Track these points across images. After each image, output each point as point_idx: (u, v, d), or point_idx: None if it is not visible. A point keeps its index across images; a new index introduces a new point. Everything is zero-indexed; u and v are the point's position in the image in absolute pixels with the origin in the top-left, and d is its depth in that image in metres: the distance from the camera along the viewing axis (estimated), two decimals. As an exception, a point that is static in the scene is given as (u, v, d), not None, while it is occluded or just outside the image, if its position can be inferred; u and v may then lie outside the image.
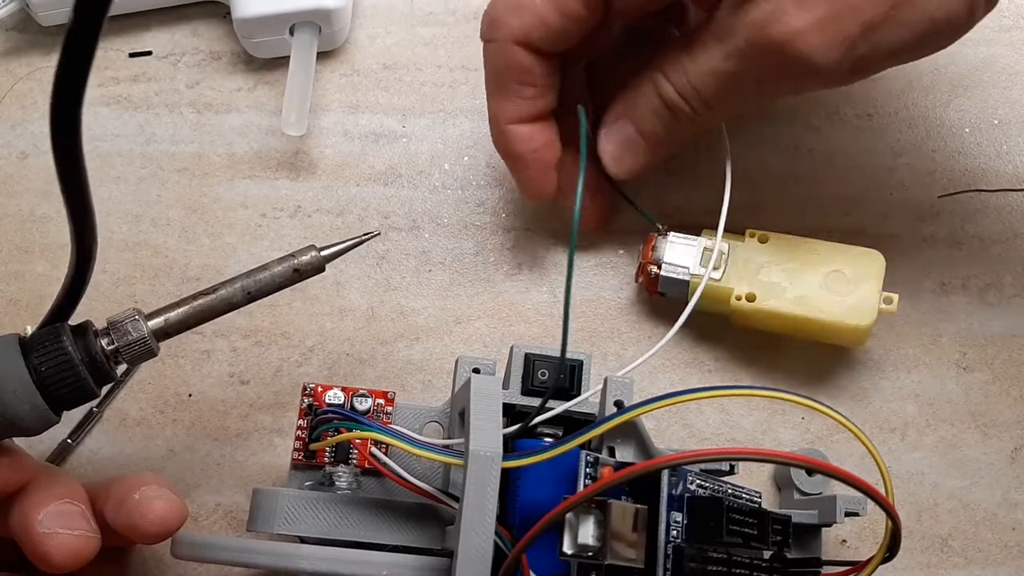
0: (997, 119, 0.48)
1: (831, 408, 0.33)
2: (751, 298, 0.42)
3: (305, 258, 0.35)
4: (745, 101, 0.40)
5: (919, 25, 0.35)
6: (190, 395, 0.44)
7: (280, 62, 0.49)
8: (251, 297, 0.35)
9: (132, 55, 0.49)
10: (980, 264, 0.46)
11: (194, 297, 0.35)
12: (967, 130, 0.48)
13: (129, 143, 0.48)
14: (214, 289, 0.35)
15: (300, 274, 0.35)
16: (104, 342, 0.33)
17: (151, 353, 0.34)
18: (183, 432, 0.43)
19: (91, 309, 0.45)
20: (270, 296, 0.45)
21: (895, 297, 0.42)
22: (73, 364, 0.32)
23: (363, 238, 0.37)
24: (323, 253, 0.36)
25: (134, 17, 0.50)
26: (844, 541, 0.42)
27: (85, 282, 0.32)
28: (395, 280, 0.46)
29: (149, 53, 0.50)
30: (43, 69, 0.49)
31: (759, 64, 0.36)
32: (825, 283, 0.42)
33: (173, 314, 0.34)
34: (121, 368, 0.34)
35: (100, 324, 0.34)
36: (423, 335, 0.45)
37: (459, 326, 0.45)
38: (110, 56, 0.49)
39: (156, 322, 0.34)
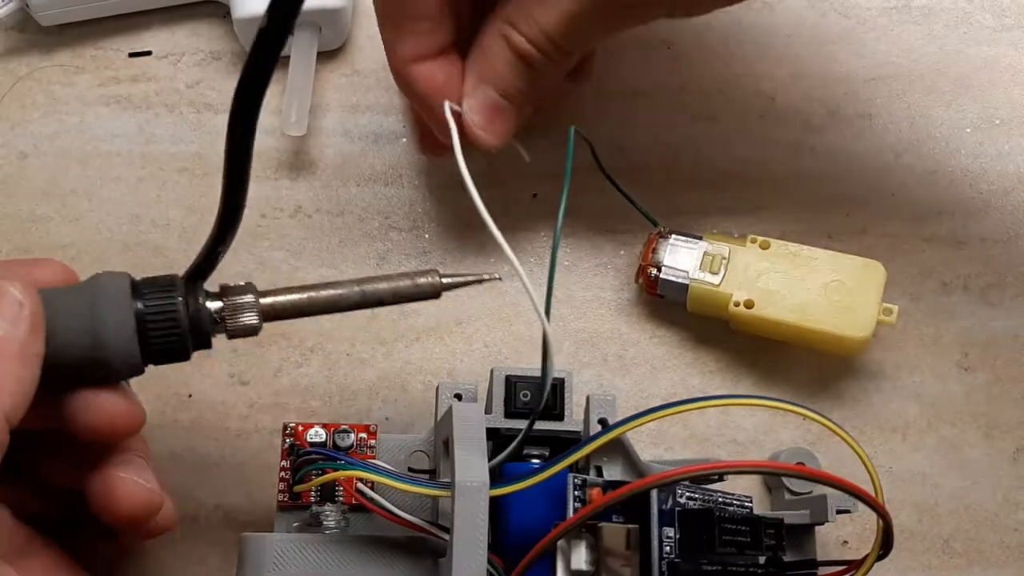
0: (999, 119, 0.48)
1: (820, 414, 0.34)
2: (749, 304, 0.42)
3: (425, 280, 0.34)
4: (594, 38, 0.39)
5: None
6: (190, 395, 0.44)
7: (280, 62, 0.48)
8: (362, 301, 0.34)
9: (132, 55, 0.49)
10: (981, 264, 0.46)
11: (305, 288, 0.33)
12: (968, 130, 0.48)
13: (129, 143, 0.48)
14: (327, 285, 0.34)
15: (418, 291, 0.34)
16: (213, 305, 0.32)
17: (254, 329, 0.32)
18: (183, 432, 0.43)
19: (91, 309, 0.45)
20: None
21: (895, 309, 0.42)
22: (178, 317, 0.31)
23: (484, 277, 0.36)
24: (444, 280, 0.35)
25: (134, 17, 0.50)
26: (846, 542, 0.42)
27: (226, 243, 0.31)
28: (395, 280, 0.46)
29: (149, 53, 0.50)
30: (43, 69, 0.49)
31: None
32: (825, 293, 0.42)
33: (283, 297, 0.33)
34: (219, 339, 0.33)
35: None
36: (423, 335, 0.45)
37: (459, 326, 0.45)
38: (110, 56, 0.49)
39: (266, 300, 0.33)
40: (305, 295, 0.33)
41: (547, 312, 0.34)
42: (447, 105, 0.37)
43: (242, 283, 0.33)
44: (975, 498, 0.43)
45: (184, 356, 0.32)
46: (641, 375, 0.45)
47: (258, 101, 0.27)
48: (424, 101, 0.40)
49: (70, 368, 0.31)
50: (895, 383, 0.44)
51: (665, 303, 0.44)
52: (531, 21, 0.37)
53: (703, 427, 0.44)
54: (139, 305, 0.31)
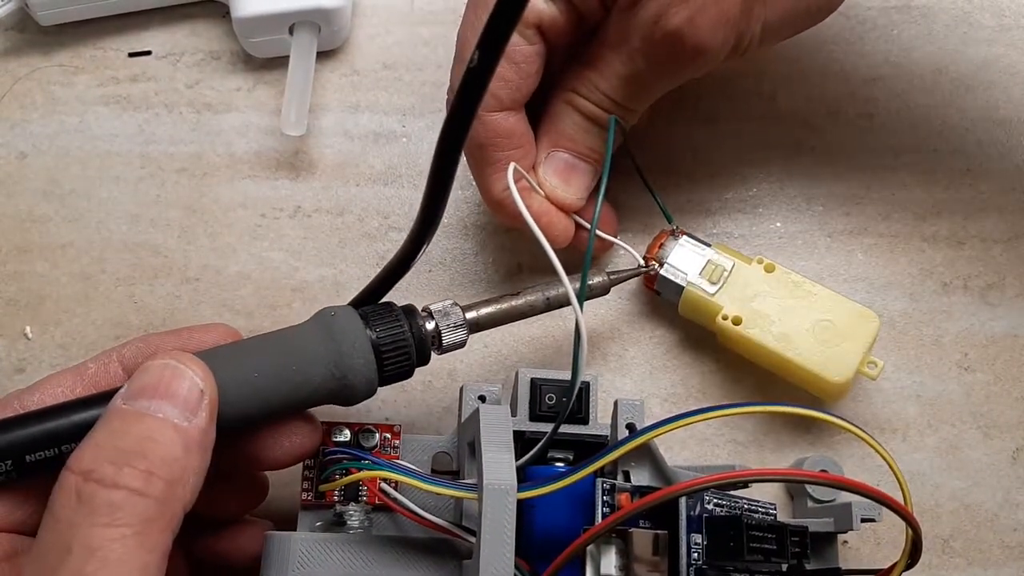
0: (998, 118, 0.48)
1: (859, 427, 0.33)
2: (737, 321, 0.42)
3: (596, 280, 0.39)
4: (653, 94, 0.41)
5: (791, 3, 0.39)
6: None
7: (280, 62, 0.48)
8: (547, 307, 0.37)
9: (132, 55, 0.49)
10: (982, 264, 0.46)
11: (499, 299, 0.36)
12: (968, 129, 0.48)
13: (128, 143, 0.48)
14: (514, 295, 0.37)
15: (590, 292, 0.39)
16: (429, 325, 0.34)
17: (464, 343, 0.35)
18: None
19: (89, 310, 0.45)
20: (275, 298, 0.45)
21: (880, 364, 0.41)
22: (407, 339, 0.33)
23: (642, 269, 0.42)
24: (612, 277, 0.40)
25: (134, 17, 0.50)
26: (845, 542, 0.42)
27: (407, 269, 0.34)
28: (395, 280, 0.46)
29: (148, 53, 0.49)
30: (42, 69, 0.49)
31: (657, 57, 0.38)
32: (813, 329, 0.41)
33: (484, 310, 0.36)
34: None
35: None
36: (423, 335, 0.45)
37: (459, 326, 0.45)
38: (109, 56, 0.49)
39: (470, 315, 0.35)
40: (501, 306, 0.36)
41: (580, 305, 0.35)
42: (511, 167, 0.38)
43: (448, 302, 0.35)
44: (975, 498, 0.43)
45: (410, 375, 0.34)
46: (641, 375, 0.45)
47: (463, 137, 0.29)
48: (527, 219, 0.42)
49: (317, 402, 0.33)
50: (895, 383, 0.44)
51: (664, 303, 0.44)
52: (591, 86, 0.40)
53: (704, 427, 0.44)
54: (372, 335, 0.33)
